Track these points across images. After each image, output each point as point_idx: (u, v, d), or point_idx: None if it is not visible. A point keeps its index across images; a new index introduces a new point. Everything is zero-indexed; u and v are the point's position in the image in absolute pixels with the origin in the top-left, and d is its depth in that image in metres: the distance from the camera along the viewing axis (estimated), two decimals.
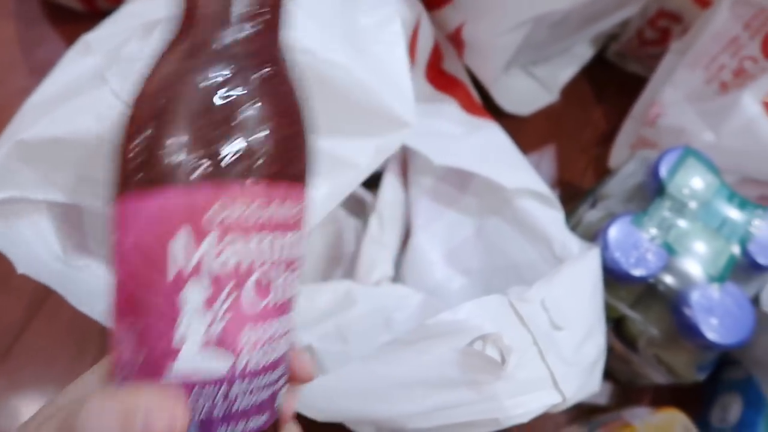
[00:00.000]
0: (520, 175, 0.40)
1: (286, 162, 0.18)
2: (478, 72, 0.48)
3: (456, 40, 0.46)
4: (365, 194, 0.46)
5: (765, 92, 0.42)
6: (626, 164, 0.42)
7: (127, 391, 0.16)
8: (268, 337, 0.18)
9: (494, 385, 0.27)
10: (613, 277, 0.36)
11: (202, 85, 0.17)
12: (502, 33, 0.43)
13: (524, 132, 0.52)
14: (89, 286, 0.30)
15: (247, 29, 0.18)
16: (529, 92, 0.55)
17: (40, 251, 0.29)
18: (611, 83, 0.58)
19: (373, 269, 0.41)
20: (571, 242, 0.38)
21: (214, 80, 0.17)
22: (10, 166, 0.28)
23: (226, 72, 0.18)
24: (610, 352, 0.39)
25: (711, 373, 0.39)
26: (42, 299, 0.44)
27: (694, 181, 0.39)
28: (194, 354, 0.17)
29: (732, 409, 0.42)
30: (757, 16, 0.42)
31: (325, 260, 0.44)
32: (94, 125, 0.26)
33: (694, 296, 0.36)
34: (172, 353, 0.17)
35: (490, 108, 0.49)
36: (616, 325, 0.39)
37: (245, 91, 0.18)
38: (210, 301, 0.17)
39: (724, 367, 0.43)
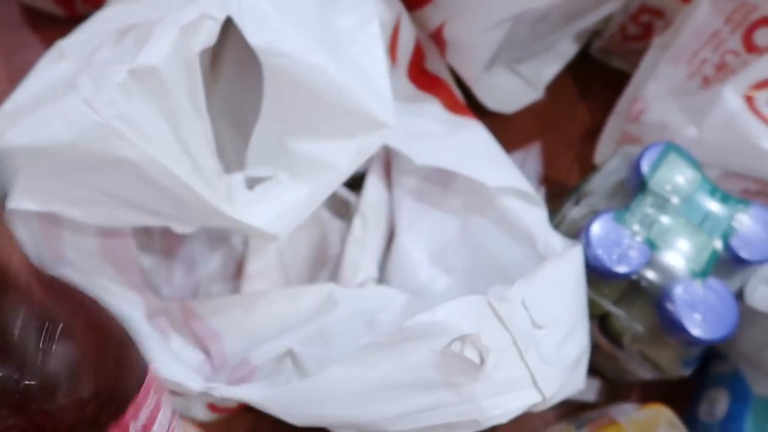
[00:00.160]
0: (503, 174, 0.40)
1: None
2: (460, 71, 0.48)
3: (438, 39, 0.46)
4: (349, 195, 0.46)
5: (746, 86, 0.42)
6: (609, 161, 0.42)
7: None
8: None
9: (473, 386, 0.26)
10: (596, 274, 0.36)
11: None
12: (483, 31, 0.43)
13: (510, 130, 0.52)
14: None
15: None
16: (514, 90, 0.55)
17: None
18: (596, 79, 0.57)
19: (357, 271, 0.41)
20: (555, 240, 0.38)
21: None
22: None
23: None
24: (597, 349, 0.39)
25: (698, 368, 0.39)
26: None
27: (676, 177, 0.39)
28: None
29: (719, 403, 0.42)
30: (738, 10, 0.42)
31: (310, 263, 0.44)
32: (65, 133, 0.26)
33: (678, 292, 0.36)
34: None
35: (475, 107, 0.49)
36: (601, 322, 0.39)
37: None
38: None
39: (711, 361, 0.43)
